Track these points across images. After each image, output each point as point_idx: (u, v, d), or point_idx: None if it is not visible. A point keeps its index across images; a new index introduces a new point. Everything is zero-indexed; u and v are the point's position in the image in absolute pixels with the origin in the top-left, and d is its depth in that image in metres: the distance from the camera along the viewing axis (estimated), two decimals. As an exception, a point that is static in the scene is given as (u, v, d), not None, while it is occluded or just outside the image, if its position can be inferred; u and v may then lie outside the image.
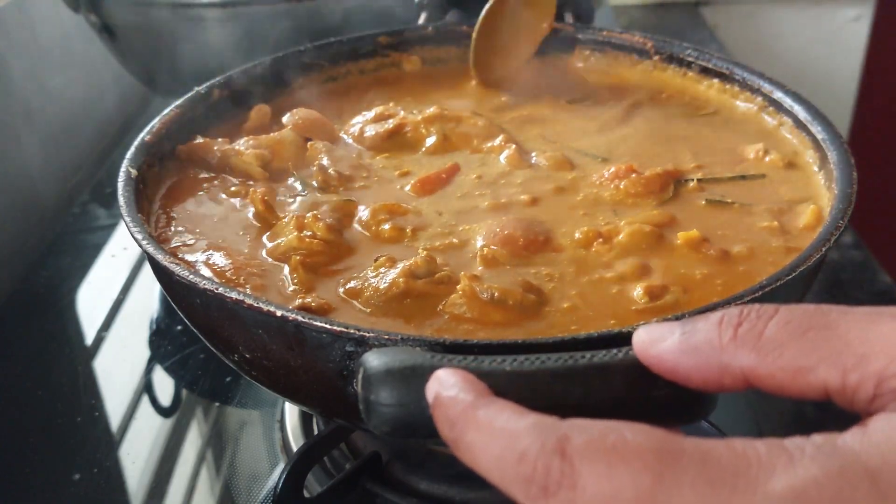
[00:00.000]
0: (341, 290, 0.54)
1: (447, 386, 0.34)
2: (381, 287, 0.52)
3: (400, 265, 0.53)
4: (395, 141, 0.72)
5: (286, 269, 0.56)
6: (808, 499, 0.27)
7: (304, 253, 0.56)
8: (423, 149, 0.71)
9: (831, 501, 0.27)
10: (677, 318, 0.40)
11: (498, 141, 0.70)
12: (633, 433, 0.29)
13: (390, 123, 0.73)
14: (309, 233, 0.57)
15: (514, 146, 0.69)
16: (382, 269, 0.54)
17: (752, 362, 0.32)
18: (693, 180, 0.64)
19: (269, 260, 0.57)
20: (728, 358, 0.32)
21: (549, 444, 0.29)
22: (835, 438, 0.29)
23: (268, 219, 0.61)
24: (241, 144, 0.69)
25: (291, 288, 0.54)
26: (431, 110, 0.73)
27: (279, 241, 0.58)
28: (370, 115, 0.75)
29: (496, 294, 0.51)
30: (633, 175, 0.64)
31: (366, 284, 0.53)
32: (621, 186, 0.63)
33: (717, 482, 0.27)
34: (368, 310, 0.52)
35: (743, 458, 0.28)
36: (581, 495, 0.28)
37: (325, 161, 0.67)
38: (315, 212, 0.60)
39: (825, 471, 0.27)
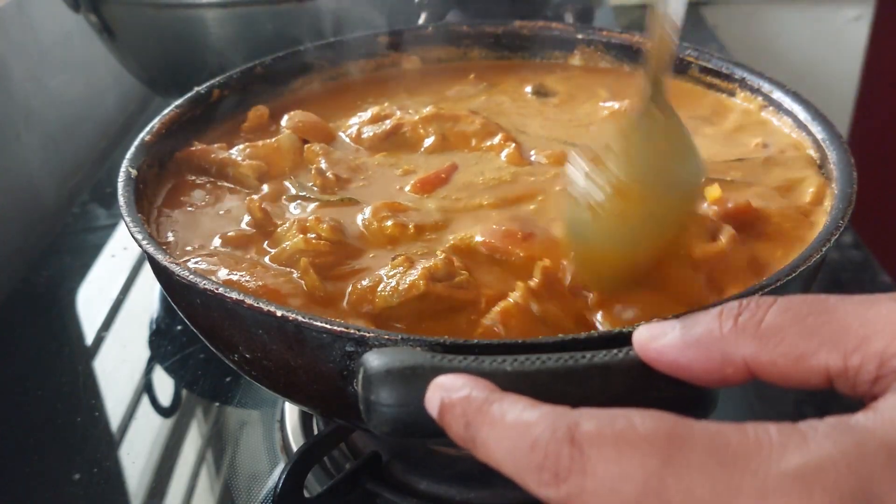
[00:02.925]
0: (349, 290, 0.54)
1: (456, 388, 0.34)
2: (401, 288, 0.52)
3: (419, 266, 0.52)
4: (394, 141, 0.72)
5: (295, 274, 0.55)
6: (825, 474, 0.27)
7: (313, 255, 0.56)
8: (422, 149, 0.71)
9: (848, 475, 0.27)
10: (676, 318, 0.40)
11: (497, 139, 0.70)
12: (642, 418, 0.29)
13: (388, 124, 0.73)
14: (314, 235, 0.57)
15: (513, 144, 0.69)
16: (400, 269, 0.53)
17: (753, 350, 0.32)
18: None
19: (275, 266, 0.57)
20: (729, 347, 0.32)
21: (559, 432, 0.30)
22: (847, 418, 0.29)
23: (265, 226, 0.60)
24: (238, 153, 0.69)
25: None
26: (428, 110, 0.73)
27: (283, 245, 0.57)
28: (367, 115, 0.75)
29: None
30: None
31: (382, 285, 0.53)
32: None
33: (727, 463, 0.27)
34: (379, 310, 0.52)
35: (754, 439, 0.28)
36: (591, 480, 0.29)
37: (322, 164, 0.67)
38: (317, 214, 0.60)
39: (841, 447, 0.27)
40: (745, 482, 0.27)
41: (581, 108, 0.78)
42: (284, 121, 0.74)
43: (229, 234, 0.60)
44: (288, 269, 0.56)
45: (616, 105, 0.76)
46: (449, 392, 0.34)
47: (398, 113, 0.74)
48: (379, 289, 0.53)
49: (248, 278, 0.54)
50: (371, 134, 0.72)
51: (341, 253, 0.57)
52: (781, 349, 0.31)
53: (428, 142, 0.71)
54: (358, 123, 0.74)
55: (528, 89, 0.81)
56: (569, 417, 0.30)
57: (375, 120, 0.74)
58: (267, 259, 0.57)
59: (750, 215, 0.57)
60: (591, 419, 0.30)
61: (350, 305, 0.53)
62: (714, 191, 0.58)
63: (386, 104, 0.77)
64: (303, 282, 0.54)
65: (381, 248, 0.58)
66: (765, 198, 0.60)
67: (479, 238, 0.58)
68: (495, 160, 0.69)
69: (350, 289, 0.54)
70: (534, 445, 0.30)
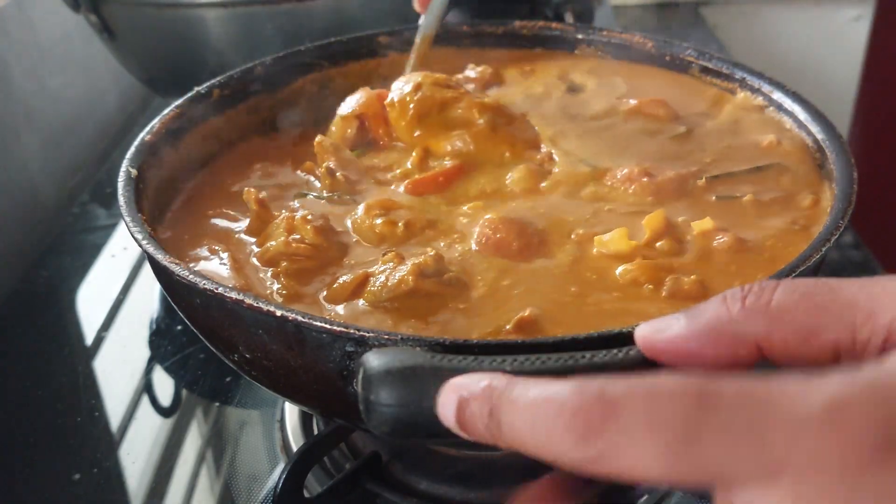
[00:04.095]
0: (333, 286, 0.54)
1: (474, 382, 0.33)
2: (390, 283, 0.52)
3: (409, 262, 0.53)
4: (441, 118, 0.70)
5: (276, 282, 0.55)
6: (846, 408, 0.27)
7: (291, 259, 0.56)
8: (462, 131, 0.69)
9: (872, 412, 0.27)
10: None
11: (541, 153, 0.68)
12: (669, 375, 0.29)
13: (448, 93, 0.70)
14: (297, 236, 0.57)
15: (537, 162, 0.67)
16: (390, 265, 0.54)
17: (764, 328, 0.32)
18: (703, 178, 0.64)
19: (259, 264, 0.57)
20: (740, 328, 0.33)
21: (587, 393, 0.29)
22: (854, 369, 0.29)
23: (263, 218, 0.61)
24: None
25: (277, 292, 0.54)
26: (491, 97, 0.73)
27: (269, 244, 0.57)
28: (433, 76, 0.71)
29: None
30: (646, 179, 0.63)
31: (372, 280, 0.53)
32: (630, 190, 0.63)
33: (757, 407, 0.28)
34: (370, 306, 0.52)
35: (778, 386, 0.28)
36: (625, 434, 0.28)
37: (332, 164, 0.67)
38: (305, 212, 0.59)
39: (859, 388, 0.28)
40: (776, 424, 0.27)
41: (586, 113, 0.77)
42: (344, 106, 0.73)
43: (229, 226, 0.61)
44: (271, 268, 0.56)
45: (633, 101, 0.75)
46: (468, 388, 0.33)
47: (467, 86, 0.73)
48: (368, 283, 0.53)
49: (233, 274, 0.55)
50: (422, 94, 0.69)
51: (322, 258, 0.57)
52: (792, 327, 0.32)
53: (478, 122, 0.69)
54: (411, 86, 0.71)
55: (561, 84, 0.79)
56: (592, 381, 0.30)
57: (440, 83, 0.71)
58: (254, 258, 0.58)
59: (741, 248, 0.57)
60: (617, 380, 0.30)
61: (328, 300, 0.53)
62: (705, 223, 0.58)
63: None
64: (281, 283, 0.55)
65: (370, 247, 0.58)
66: (768, 216, 0.60)
67: (473, 247, 0.58)
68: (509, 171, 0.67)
69: (331, 287, 0.54)
70: (561, 410, 0.30)
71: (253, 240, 0.60)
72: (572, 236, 0.58)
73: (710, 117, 0.74)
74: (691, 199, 0.63)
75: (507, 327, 0.49)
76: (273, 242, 0.57)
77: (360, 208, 0.61)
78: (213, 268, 0.57)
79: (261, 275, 0.56)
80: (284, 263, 0.56)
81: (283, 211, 0.62)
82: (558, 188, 0.65)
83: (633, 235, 0.57)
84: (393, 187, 0.66)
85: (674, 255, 0.56)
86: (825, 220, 0.54)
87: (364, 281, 0.53)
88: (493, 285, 0.54)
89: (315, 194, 0.65)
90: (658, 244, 0.57)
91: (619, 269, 0.54)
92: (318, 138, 0.70)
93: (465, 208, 0.62)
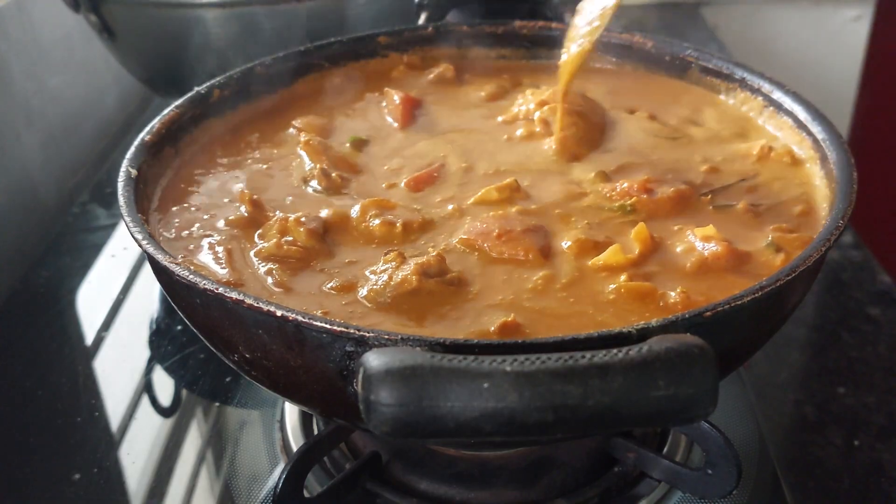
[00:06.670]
0: (327, 286, 0.54)
1: None
2: (393, 282, 0.52)
3: (412, 262, 0.53)
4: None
5: (268, 279, 0.56)
6: None
7: (282, 260, 0.56)
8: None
9: None
10: (682, 318, 0.40)
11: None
12: None
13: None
14: (290, 238, 0.58)
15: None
16: (392, 264, 0.54)
17: None
18: (708, 193, 0.64)
19: (256, 260, 0.58)
20: None
21: None
22: None
23: (257, 218, 0.61)
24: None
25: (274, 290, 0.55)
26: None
27: (262, 244, 0.58)
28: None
29: None
30: (645, 196, 0.62)
31: (374, 279, 0.53)
32: (627, 204, 0.62)
33: None
34: (372, 305, 0.52)
35: None
36: None
37: (325, 165, 0.67)
38: (299, 214, 0.60)
39: None
40: None
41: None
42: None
43: (230, 217, 0.62)
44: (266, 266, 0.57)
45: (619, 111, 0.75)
46: None
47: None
48: (370, 282, 0.53)
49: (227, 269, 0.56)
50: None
51: (312, 258, 0.57)
52: None
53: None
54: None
55: None
56: None
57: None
58: (252, 253, 0.58)
59: (734, 258, 0.56)
60: None
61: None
62: (708, 230, 0.58)
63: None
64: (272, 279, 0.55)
65: (366, 247, 0.58)
66: (761, 225, 0.60)
67: (463, 236, 0.58)
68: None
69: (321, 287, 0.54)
70: None
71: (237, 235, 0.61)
72: (568, 244, 0.58)
73: (696, 123, 0.74)
74: (691, 210, 0.63)
75: (492, 329, 0.50)
76: (266, 243, 0.58)
77: (356, 208, 0.61)
78: (207, 261, 0.57)
79: (256, 270, 0.57)
80: (276, 264, 0.56)
81: (278, 212, 0.62)
82: (557, 190, 0.65)
83: (627, 249, 0.57)
84: (384, 186, 0.66)
85: (664, 268, 0.56)
86: (818, 227, 0.53)
87: (350, 287, 0.54)
88: (485, 287, 0.54)
89: (315, 189, 0.66)
90: (649, 259, 0.57)
91: (609, 285, 0.54)
92: (305, 137, 0.70)
93: (454, 206, 0.63)
